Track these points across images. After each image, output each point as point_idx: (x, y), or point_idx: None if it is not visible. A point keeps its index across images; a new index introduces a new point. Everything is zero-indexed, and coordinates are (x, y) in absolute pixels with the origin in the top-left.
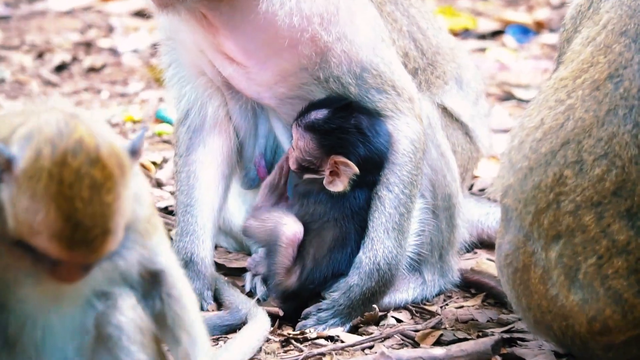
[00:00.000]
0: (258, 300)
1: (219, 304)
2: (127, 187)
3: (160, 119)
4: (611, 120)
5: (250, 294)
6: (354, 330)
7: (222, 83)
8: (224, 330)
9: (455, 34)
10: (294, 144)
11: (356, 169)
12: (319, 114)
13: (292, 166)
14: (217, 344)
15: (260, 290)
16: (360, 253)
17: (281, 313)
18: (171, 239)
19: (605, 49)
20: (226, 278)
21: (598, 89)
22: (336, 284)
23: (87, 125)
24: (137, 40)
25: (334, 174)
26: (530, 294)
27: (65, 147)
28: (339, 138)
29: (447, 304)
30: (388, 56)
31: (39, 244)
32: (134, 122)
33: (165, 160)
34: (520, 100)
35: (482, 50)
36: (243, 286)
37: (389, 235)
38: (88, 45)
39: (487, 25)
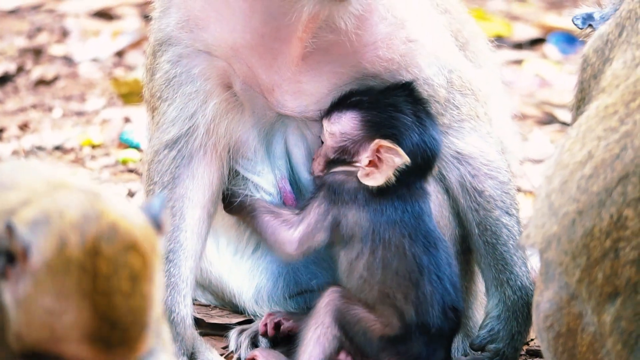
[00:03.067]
0: None
1: None
2: (159, 271)
3: (125, 143)
4: None
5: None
6: None
7: (249, 98)
8: None
9: None
10: (323, 137)
11: (406, 158)
12: (367, 92)
13: (317, 168)
14: None
15: (246, 351)
16: (510, 292)
17: None
18: None
19: None
20: (204, 338)
21: None
22: (481, 333)
23: (112, 203)
24: (97, 46)
25: (373, 164)
26: None
27: (97, 233)
28: (391, 116)
29: None
30: (461, 55)
31: (65, 351)
32: (94, 146)
33: (131, 194)
34: (564, 124)
35: (519, 62)
36: (225, 347)
37: (524, 262)
38: (37, 53)
39: (524, 31)
